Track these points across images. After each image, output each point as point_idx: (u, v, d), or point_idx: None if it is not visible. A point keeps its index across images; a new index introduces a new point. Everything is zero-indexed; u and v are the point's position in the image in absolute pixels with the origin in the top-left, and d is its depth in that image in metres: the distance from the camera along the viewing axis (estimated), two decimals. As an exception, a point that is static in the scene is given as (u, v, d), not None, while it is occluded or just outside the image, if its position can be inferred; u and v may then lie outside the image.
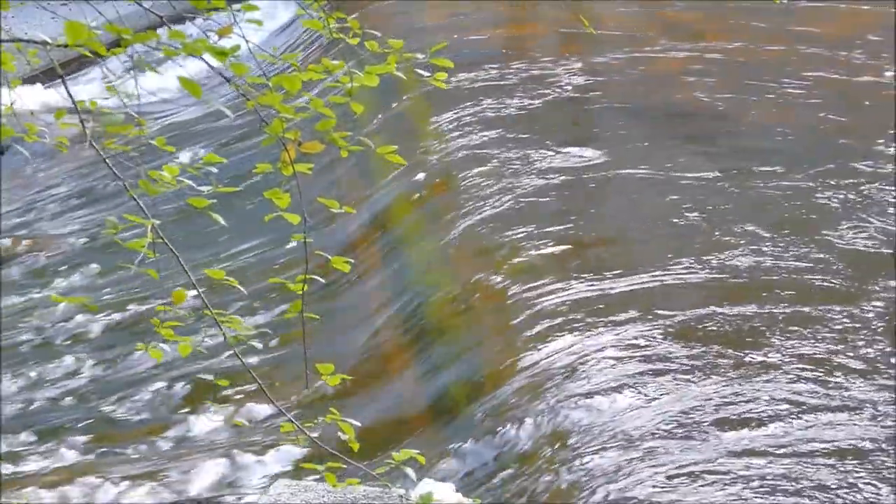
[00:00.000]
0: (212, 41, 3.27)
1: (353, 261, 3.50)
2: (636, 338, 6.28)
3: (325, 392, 6.88)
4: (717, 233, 7.48)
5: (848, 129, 9.27)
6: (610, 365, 6.05)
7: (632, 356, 6.12)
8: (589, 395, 5.84)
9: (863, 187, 8.10)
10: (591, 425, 5.63)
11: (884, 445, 5.29)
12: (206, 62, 3.24)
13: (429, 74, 3.59)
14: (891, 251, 7.16)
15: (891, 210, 7.77)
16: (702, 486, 5.06)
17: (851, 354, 6.02)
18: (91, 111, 4.01)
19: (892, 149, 8.72)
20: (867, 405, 5.59)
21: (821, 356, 6.01)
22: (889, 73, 10.54)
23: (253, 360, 6.78)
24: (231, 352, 3.48)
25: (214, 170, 3.25)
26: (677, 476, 5.13)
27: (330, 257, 3.34)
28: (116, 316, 8.61)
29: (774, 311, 6.50)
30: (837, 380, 5.79)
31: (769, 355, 6.03)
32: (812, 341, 6.15)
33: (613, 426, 5.57)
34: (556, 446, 5.58)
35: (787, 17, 12.16)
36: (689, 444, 5.35)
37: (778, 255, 7.14)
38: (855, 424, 5.45)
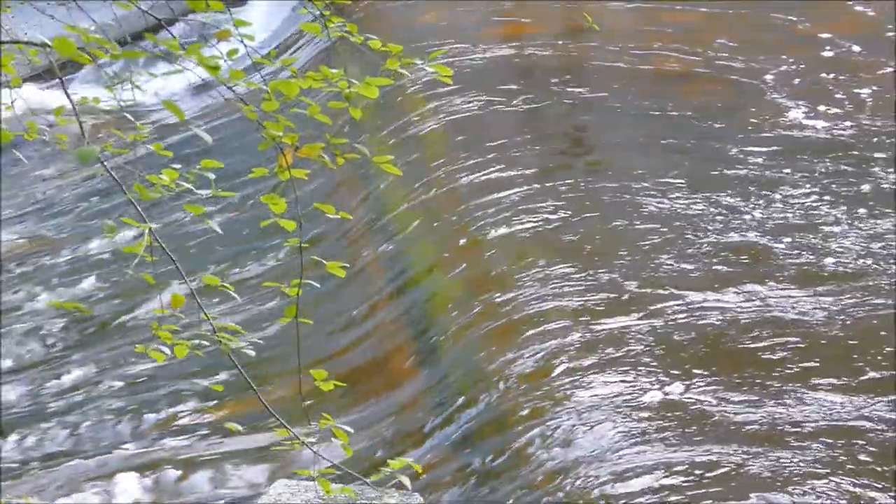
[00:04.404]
0: (210, 44, 3.28)
1: (347, 265, 3.51)
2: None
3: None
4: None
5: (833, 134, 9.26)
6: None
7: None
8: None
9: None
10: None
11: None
12: (199, 72, 3.24)
13: (434, 71, 3.60)
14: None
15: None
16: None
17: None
18: (91, 111, 4.03)
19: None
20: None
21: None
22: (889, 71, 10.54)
23: (248, 363, 6.80)
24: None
25: (212, 175, 3.26)
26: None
27: (325, 262, 3.35)
28: (115, 318, 8.63)
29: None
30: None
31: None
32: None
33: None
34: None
35: (787, 17, 12.17)
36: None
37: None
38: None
